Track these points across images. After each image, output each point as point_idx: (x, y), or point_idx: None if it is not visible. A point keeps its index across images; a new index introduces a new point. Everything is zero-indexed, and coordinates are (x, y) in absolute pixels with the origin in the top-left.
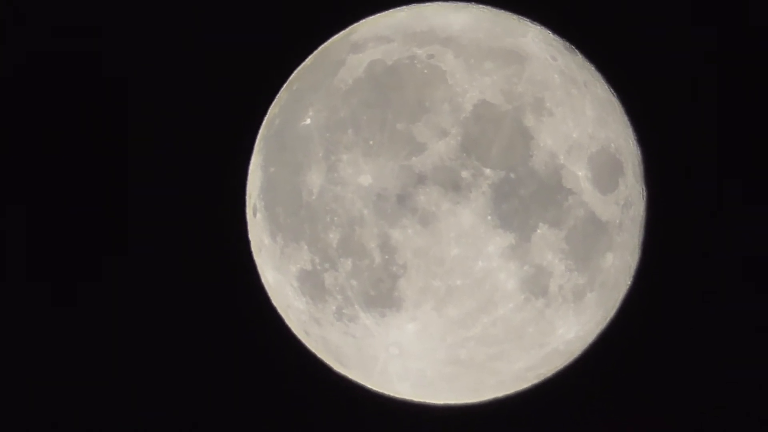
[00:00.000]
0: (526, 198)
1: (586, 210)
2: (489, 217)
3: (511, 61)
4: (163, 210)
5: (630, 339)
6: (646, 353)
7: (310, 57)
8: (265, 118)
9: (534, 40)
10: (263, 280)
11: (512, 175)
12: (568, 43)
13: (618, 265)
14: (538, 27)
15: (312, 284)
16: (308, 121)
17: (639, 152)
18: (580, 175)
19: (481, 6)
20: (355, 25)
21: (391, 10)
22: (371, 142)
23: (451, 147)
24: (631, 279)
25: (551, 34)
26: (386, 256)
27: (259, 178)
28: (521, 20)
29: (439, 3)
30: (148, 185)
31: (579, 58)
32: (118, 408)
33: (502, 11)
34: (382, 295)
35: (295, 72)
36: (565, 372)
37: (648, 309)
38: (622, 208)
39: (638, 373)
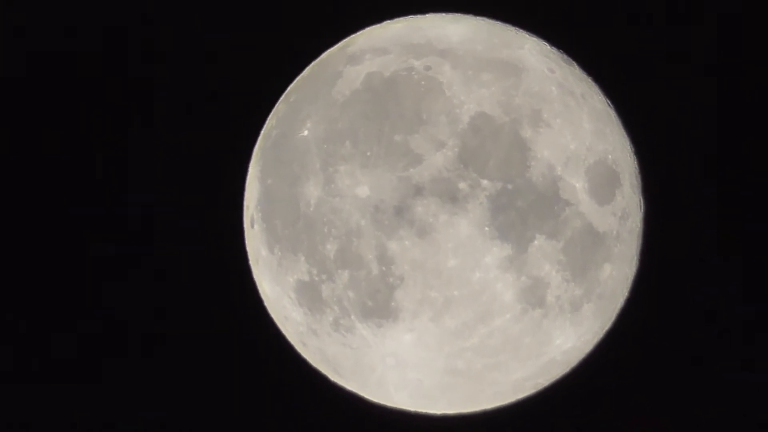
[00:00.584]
0: (523, 209)
1: (583, 221)
2: (486, 228)
3: (508, 73)
4: (160, 221)
5: (627, 349)
6: (643, 364)
7: (308, 69)
8: (263, 129)
9: (531, 52)
10: (261, 291)
11: (510, 187)
12: (565, 55)
13: (615, 276)
14: (536, 39)
15: (309, 295)
16: (306, 132)
17: (636, 163)
18: (577, 186)
19: (478, 18)
20: (353, 36)
21: (387, 22)
22: (369, 154)
23: (449, 158)
24: (629, 290)
25: (548, 46)
26: (383, 267)
27: (256, 189)
28: (519, 32)
29: (437, 14)
30: (145, 196)
31: (576, 70)
32: (115, 416)
33: (500, 23)
34: (379, 305)
35: (293, 84)
36: (563, 382)
37: (645, 320)
38: (620, 220)
39: (635, 383)
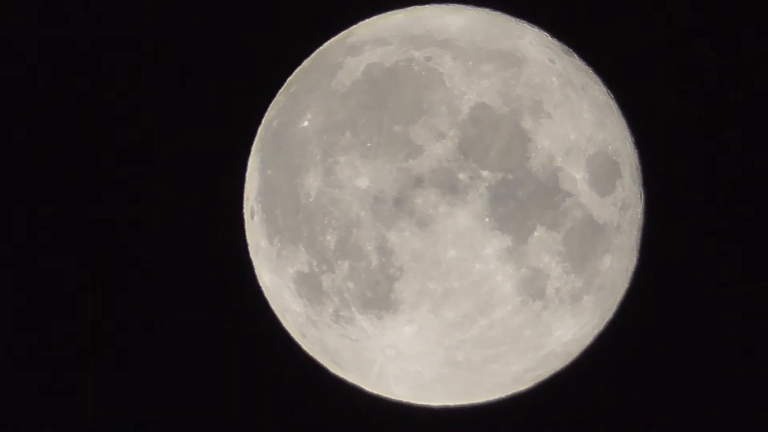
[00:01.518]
0: (523, 200)
1: (583, 212)
2: (486, 219)
3: (508, 63)
4: (160, 212)
5: (627, 341)
6: (643, 356)
7: (308, 60)
8: (263, 120)
9: (532, 42)
10: (260, 282)
11: (510, 177)
12: (565, 46)
13: (616, 267)
14: (536, 29)
15: (309, 287)
16: (306, 123)
17: (636, 154)
18: (577, 177)
19: (478, 8)
20: (353, 27)
21: (388, 13)
22: (369, 145)
23: (449, 149)
24: (629, 281)
25: (549, 37)
26: (383, 259)
27: (256, 180)
28: (519, 22)
29: (437, 5)
30: (145, 187)
31: (577, 60)
32: (114, 410)
33: (500, 13)
34: (379, 297)
35: (293, 74)
36: (563, 374)
37: (645, 312)
38: (620, 211)
39: (635, 376)
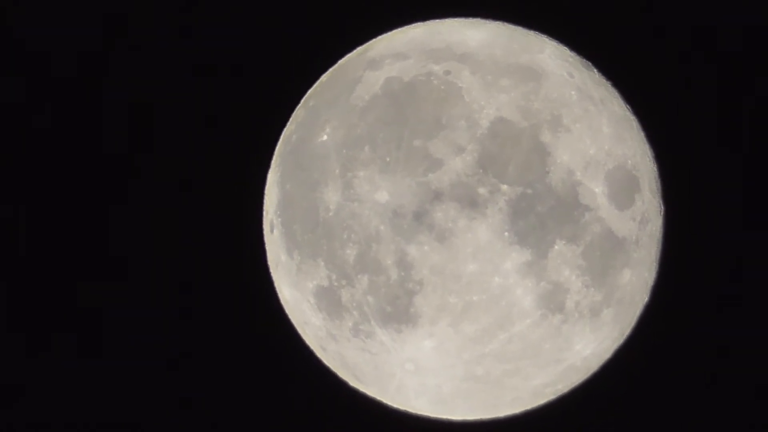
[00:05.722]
0: (543, 214)
1: (602, 226)
2: (506, 234)
3: (527, 77)
4: (179, 226)
5: (647, 356)
6: (662, 370)
7: (327, 74)
8: (282, 134)
9: (551, 56)
10: (280, 296)
11: (529, 192)
12: (584, 60)
13: (635, 281)
14: (555, 43)
15: (329, 301)
16: (325, 137)
17: (656, 168)
18: (596, 191)
19: (497, 22)
20: (372, 41)
21: (407, 27)
22: (388, 159)
23: (468, 163)
24: (648, 295)
25: (568, 51)
26: (403, 273)
27: (275, 194)
28: (538, 36)
29: (456, 19)
30: (164, 201)
31: (595, 74)
32: (128, 420)
33: (519, 27)
34: (398, 311)
35: (312, 89)
36: (582, 388)
37: (665, 326)
38: (639, 225)
39: (655, 390)
